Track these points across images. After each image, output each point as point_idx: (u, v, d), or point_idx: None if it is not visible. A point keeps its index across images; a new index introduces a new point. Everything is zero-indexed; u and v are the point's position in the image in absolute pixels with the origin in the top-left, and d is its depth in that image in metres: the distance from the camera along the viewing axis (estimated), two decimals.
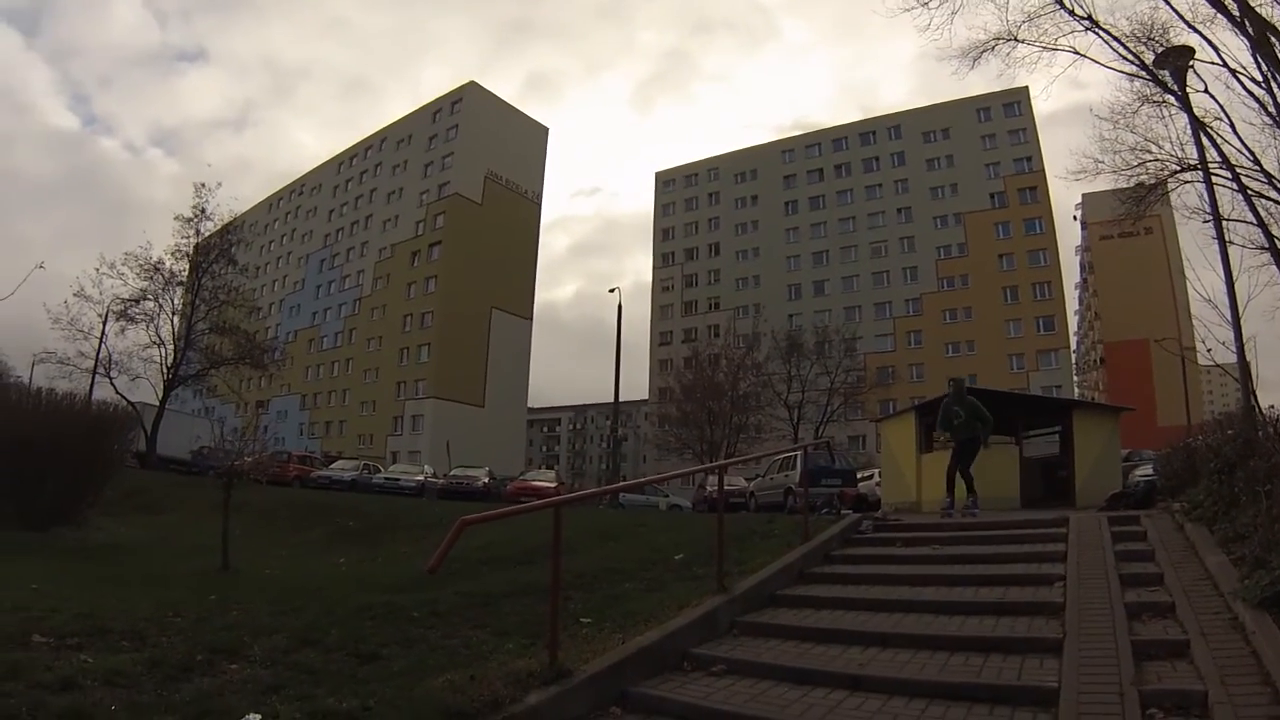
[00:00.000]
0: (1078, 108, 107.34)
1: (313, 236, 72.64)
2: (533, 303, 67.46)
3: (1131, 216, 11.48)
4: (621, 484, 16.86)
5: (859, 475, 18.63)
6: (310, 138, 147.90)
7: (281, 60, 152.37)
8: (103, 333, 26.77)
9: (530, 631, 4.71)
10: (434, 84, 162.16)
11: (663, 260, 69.99)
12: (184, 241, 28.62)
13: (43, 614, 5.14)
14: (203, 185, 29.22)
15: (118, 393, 26.21)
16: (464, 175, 62.33)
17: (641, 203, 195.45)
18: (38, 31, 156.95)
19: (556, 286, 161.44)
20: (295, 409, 64.94)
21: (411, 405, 58.65)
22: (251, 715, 3.34)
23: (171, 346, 27.85)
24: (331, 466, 30.18)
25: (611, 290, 56.01)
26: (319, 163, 77.07)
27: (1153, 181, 10.33)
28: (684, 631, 4.66)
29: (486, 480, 26.26)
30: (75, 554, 10.11)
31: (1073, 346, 60.23)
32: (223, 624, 5.23)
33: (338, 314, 67.70)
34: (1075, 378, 57.80)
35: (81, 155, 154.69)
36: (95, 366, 26.60)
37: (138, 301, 27.09)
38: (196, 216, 28.60)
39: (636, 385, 71.57)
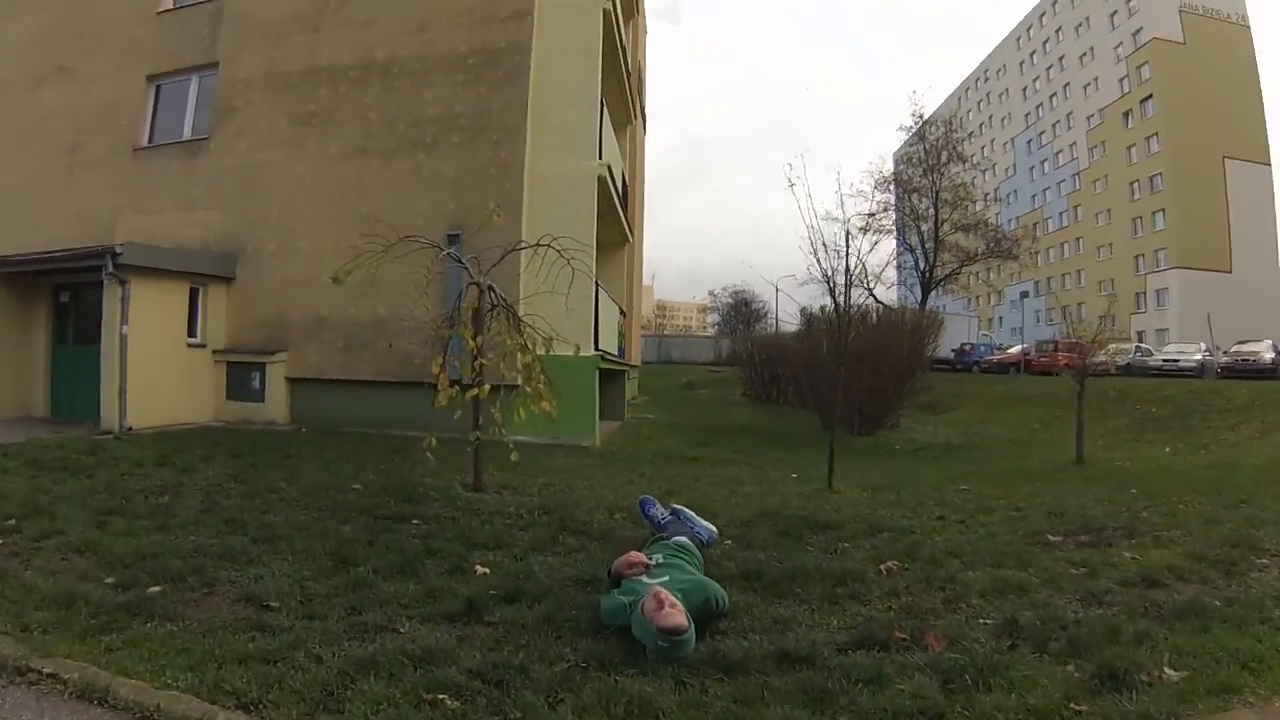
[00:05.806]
0: None
1: (1011, 119, 71.76)
2: (1267, 144, 55.04)
3: None
4: None
5: None
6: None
7: None
8: (846, 249, 30.10)
9: None
10: None
11: None
12: (910, 150, 30.31)
13: (1007, 512, 5.74)
14: (914, 91, 31.39)
15: (879, 302, 29.33)
16: (1155, 15, 54.93)
17: None
18: None
19: None
20: (1030, 295, 63.31)
21: (1153, 279, 55.00)
22: None
23: (920, 251, 29.60)
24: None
25: None
26: (994, 45, 76.15)
27: None
28: None
29: (1273, 355, 24.60)
30: (913, 454, 10.77)
31: None
32: (1234, 518, 5.34)
33: (1058, 193, 65.85)
34: None
35: None
36: (848, 280, 30.22)
37: (875, 215, 29.60)
38: (916, 122, 29.95)
39: None
